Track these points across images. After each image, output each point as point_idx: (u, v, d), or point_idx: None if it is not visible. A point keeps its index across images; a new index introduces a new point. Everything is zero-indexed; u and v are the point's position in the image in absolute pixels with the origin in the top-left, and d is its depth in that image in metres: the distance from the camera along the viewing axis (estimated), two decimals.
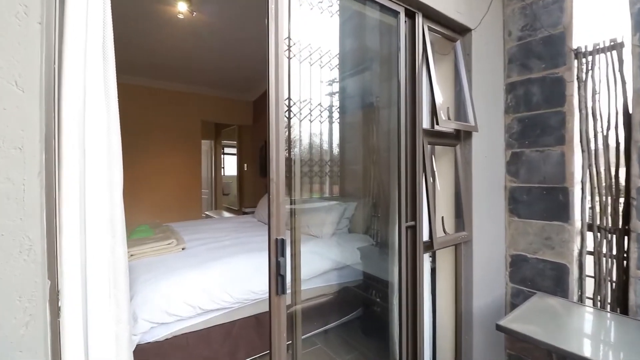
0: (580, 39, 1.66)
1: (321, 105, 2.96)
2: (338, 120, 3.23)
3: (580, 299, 1.64)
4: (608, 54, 1.55)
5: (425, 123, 1.56)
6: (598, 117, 1.58)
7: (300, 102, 2.01)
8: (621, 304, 1.49)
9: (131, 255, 2.06)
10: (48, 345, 0.66)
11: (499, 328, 1.27)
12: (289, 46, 1.58)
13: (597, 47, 1.57)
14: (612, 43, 1.54)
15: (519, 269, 1.82)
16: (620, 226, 1.50)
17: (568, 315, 1.38)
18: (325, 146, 3.23)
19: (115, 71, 0.94)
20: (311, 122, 2.90)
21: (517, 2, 1.85)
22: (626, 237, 1.47)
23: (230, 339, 1.86)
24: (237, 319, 1.91)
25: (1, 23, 0.60)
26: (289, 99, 1.41)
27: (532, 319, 1.33)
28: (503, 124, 1.90)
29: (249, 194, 5.48)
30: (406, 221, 1.41)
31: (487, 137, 1.77)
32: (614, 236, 1.52)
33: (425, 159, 1.47)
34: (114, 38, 0.90)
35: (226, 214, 5.66)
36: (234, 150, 6.18)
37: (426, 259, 1.68)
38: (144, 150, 4.35)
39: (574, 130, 1.61)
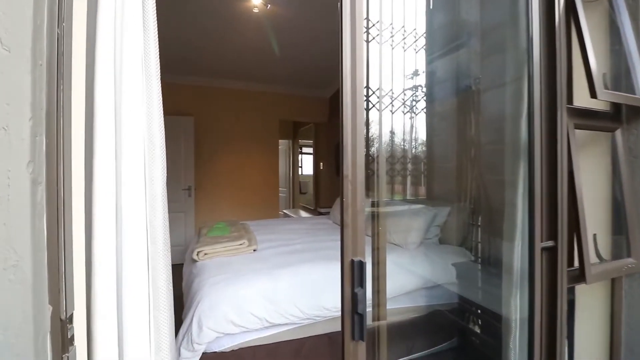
0: None
1: (404, 94, 2.57)
2: (424, 110, 2.80)
3: None
4: None
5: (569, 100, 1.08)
6: None
7: (380, 91, 1.69)
8: None
9: (205, 254, 2.02)
10: None
11: None
12: (367, 28, 1.28)
13: None
14: None
15: None
16: None
17: None
18: (409, 140, 2.82)
19: (157, 46, 0.78)
20: (392, 113, 2.53)
21: None
22: None
23: (299, 358, 1.64)
24: (308, 336, 1.68)
25: None
26: (367, 87, 1.13)
27: None
28: None
29: (325, 193, 5.33)
30: (541, 240, 0.97)
31: None
32: None
33: (572, 149, 1.00)
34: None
35: (303, 213, 5.62)
36: (311, 150, 6.13)
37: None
38: (223, 150, 4.54)
39: None
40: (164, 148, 0.80)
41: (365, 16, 0.97)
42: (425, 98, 2.73)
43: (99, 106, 0.70)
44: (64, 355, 0.54)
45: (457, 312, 1.88)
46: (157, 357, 0.76)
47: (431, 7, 2.52)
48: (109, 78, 0.71)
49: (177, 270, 2.52)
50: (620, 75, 1.22)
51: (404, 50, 2.36)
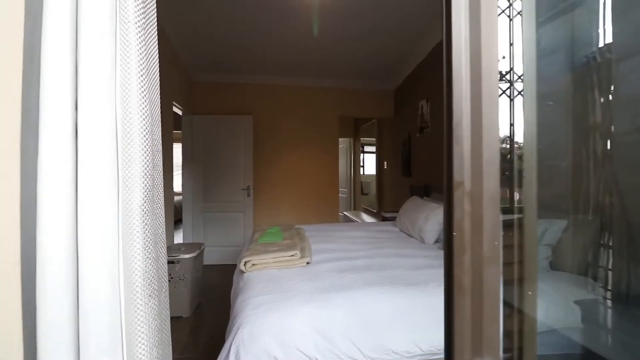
0: None
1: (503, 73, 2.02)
2: (522, 92, 2.19)
3: None
4: None
5: None
6: None
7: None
8: None
9: (252, 264, 1.79)
10: None
11: None
12: None
13: None
14: None
15: None
16: None
17: None
18: (501, 131, 2.24)
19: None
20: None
21: None
22: None
23: None
24: None
25: None
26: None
27: None
28: None
29: (389, 195, 4.86)
30: None
31: None
32: None
33: None
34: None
35: (364, 216, 5.23)
36: (373, 149, 5.70)
37: None
38: (282, 149, 4.38)
39: None
40: (147, 147, 0.52)
41: None
42: (521, 78, 2.13)
43: (46, 80, 0.44)
44: None
45: None
46: None
47: None
48: (59, 37, 0.46)
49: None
50: None
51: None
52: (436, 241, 2.46)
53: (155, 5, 0.63)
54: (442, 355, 0.40)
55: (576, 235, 1.67)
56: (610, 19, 1.67)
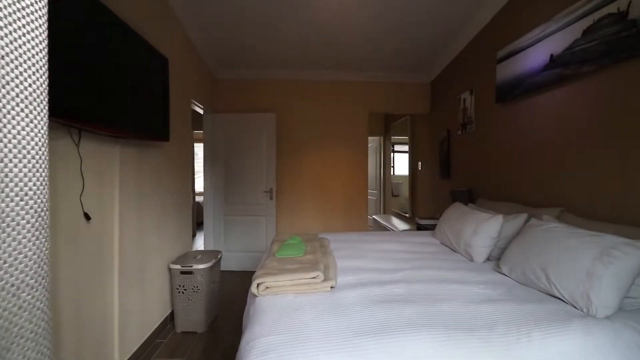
0: None
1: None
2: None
3: None
4: None
5: None
6: None
7: None
8: None
9: (266, 287, 1.49)
10: None
11: None
12: None
13: None
14: None
15: None
16: None
17: None
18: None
19: None
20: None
21: None
22: None
23: None
24: None
25: None
26: None
27: None
28: None
29: (424, 199, 4.41)
30: None
31: None
32: None
33: None
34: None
35: (396, 222, 4.81)
36: (404, 148, 5.26)
37: None
38: (307, 149, 4.08)
39: None
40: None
41: None
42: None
43: None
44: None
45: None
46: None
47: None
48: None
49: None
50: None
51: None
52: (487, 259, 2.05)
53: None
54: None
55: None
56: None
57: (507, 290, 1.50)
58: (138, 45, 1.88)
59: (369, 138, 4.72)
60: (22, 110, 0.58)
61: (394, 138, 5.72)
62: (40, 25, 0.62)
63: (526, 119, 2.40)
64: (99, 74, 1.53)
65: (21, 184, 0.58)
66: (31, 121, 0.60)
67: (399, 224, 4.55)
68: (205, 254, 2.67)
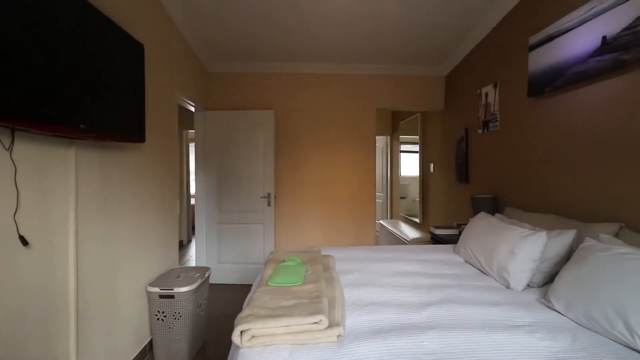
0: None
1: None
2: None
3: None
4: None
5: None
6: None
7: None
8: None
9: (252, 336, 1.13)
10: None
11: None
12: None
13: None
14: None
15: None
16: None
17: None
18: None
19: None
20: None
21: None
22: None
23: None
24: None
25: None
26: None
27: None
28: None
29: (438, 205, 4.04)
30: None
31: None
32: None
33: None
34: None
35: (405, 228, 4.44)
36: (411, 147, 4.88)
37: None
38: (309, 149, 3.71)
39: None
40: None
41: None
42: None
43: None
44: None
45: None
46: None
47: None
48: None
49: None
50: None
51: None
52: (528, 285, 1.68)
53: None
54: None
55: None
56: None
57: (572, 340, 1.13)
58: (100, 25, 1.53)
59: (376, 137, 4.35)
60: None
61: (403, 137, 5.34)
62: None
63: (568, 115, 2.01)
64: (38, 58, 1.17)
65: None
66: None
67: (409, 231, 4.17)
68: (190, 272, 2.31)
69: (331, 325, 1.16)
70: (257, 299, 1.38)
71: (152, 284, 2.09)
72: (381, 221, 5.15)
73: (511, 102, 2.55)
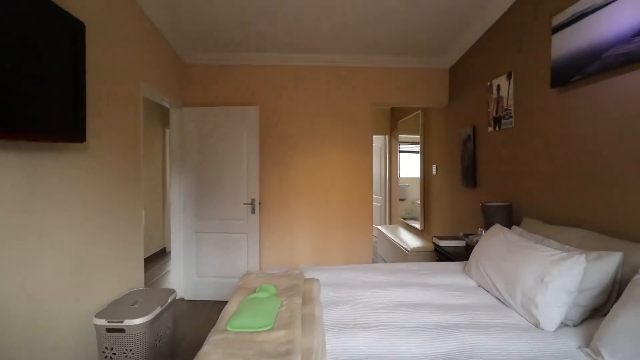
0: None
1: None
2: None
3: None
4: None
5: None
6: None
7: None
8: None
9: None
10: None
11: None
12: None
13: None
14: None
15: None
16: None
17: None
18: None
19: None
20: None
21: None
22: None
23: None
24: None
25: None
26: None
27: None
28: None
29: (441, 211, 3.67)
30: None
31: None
32: None
33: None
34: None
35: (405, 235, 4.07)
36: (411, 148, 4.52)
37: None
38: (297, 150, 3.34)
39: None
40: None
41: None
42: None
43: None
44: None
45: None
46: None
47: None
48: None
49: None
50: None
51: None
52: (562, 323, 1.32)
53: None
54: None
55: None
56: None
57: None
58: None
59: (373, 137, 3.98)
60: None
61: (402, 137, 4.98)
62: None
63: (606, 107, 1.65)
64: None
65: None
66: None
67: (410, 240, 3.81)
68: (149, 297, 1.94)
69: None
70: (207, 354, 1.01)
71: (100, 314, 1.72)
72: (379, 227, 4.79)
73: (529, 94, 2.19)
